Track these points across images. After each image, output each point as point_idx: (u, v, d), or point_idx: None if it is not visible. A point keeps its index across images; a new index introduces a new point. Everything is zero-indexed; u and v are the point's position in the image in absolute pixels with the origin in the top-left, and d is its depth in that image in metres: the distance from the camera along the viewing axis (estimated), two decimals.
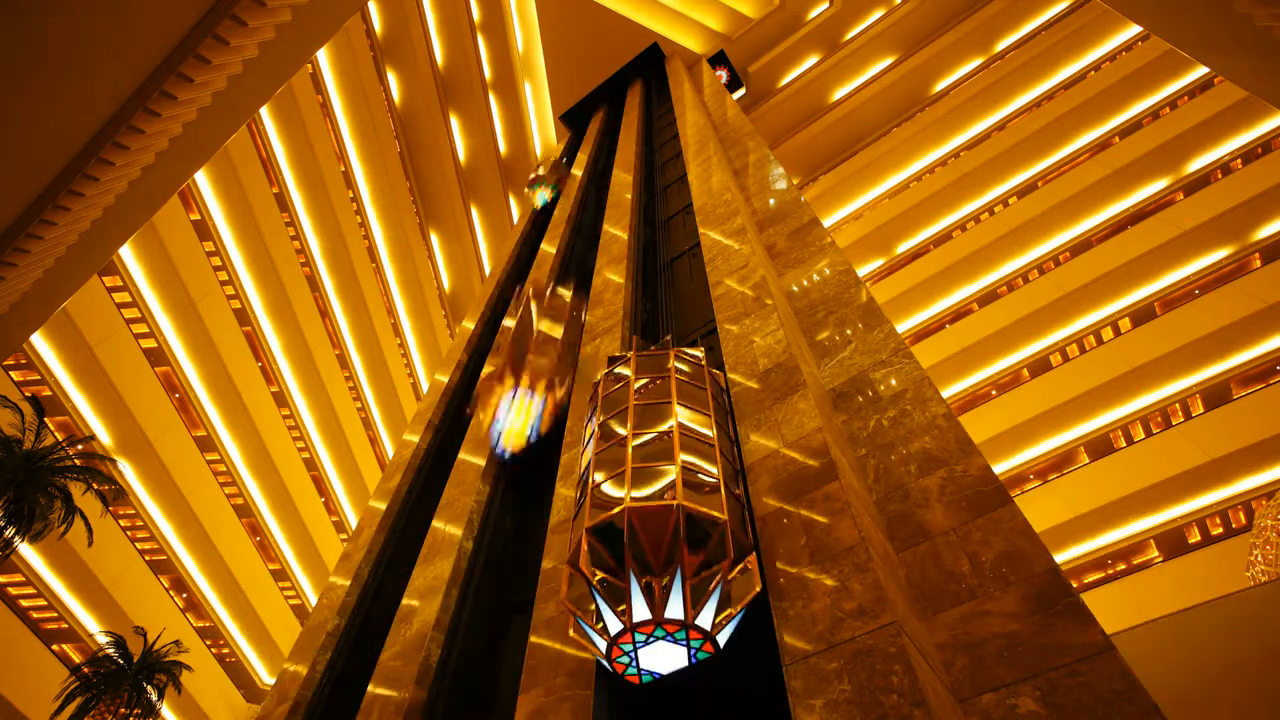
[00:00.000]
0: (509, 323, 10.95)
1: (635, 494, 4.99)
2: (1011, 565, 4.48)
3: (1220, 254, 23.50)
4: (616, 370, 6.83)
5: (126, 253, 27.80)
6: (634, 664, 4.86)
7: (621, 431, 5.83)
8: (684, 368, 6.49)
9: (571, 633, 5.09)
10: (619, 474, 5.29)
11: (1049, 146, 29.09)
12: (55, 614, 27.75)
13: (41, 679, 25.01)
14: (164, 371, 30.62)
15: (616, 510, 4.91)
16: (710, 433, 5.70)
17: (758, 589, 4.76)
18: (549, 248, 18.68)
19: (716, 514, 4.84)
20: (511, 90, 33.47)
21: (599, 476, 5.41)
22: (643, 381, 6.40)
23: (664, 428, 5.65)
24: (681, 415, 5.73)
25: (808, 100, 35.11)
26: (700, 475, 5.18)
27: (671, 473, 5.10)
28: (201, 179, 30.14)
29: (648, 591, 4.65)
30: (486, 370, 10.35)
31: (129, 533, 30.59)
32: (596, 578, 4.83)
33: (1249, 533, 17.50)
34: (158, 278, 29.18)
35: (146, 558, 31.17)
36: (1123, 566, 21.67)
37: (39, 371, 26.47)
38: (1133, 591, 19.80)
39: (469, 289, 40.96)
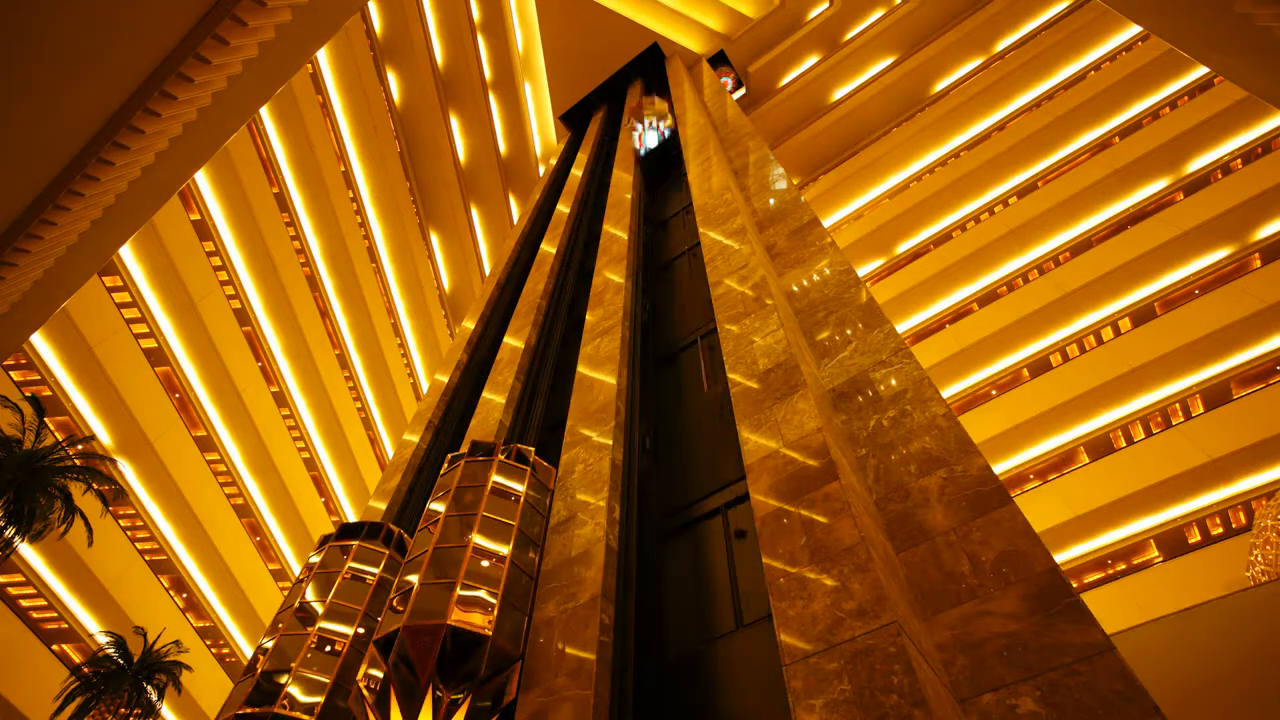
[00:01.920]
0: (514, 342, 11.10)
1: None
2: (1012, 565, 4.48)
3: (1220, 254, 23.48)
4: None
5: (126, 253, 27.77)
6: None
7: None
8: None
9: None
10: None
11: (1049, 146, 29.07)
12: (55, 614, 27.71)
13: (41, 679, 24.98)
14: (164, 371, 30.60)
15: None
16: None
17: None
18: (549, 248, 18.68)
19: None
20: (511, 90, 33.46)
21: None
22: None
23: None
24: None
25: (808, 100, 35.10)
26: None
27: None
28: (201, 179, 30.11)
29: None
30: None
31: (129, 533, 30.56)
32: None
33: (1249, 533, 17.50)
34: (158, 278, 29.16)
35: (146, 558, 31.15)
36: (1123, 566, 21.66)
37: (39, 371, 26.44)
38: (1133, 591, 19.77)
39: (469, 289, 40.95)
